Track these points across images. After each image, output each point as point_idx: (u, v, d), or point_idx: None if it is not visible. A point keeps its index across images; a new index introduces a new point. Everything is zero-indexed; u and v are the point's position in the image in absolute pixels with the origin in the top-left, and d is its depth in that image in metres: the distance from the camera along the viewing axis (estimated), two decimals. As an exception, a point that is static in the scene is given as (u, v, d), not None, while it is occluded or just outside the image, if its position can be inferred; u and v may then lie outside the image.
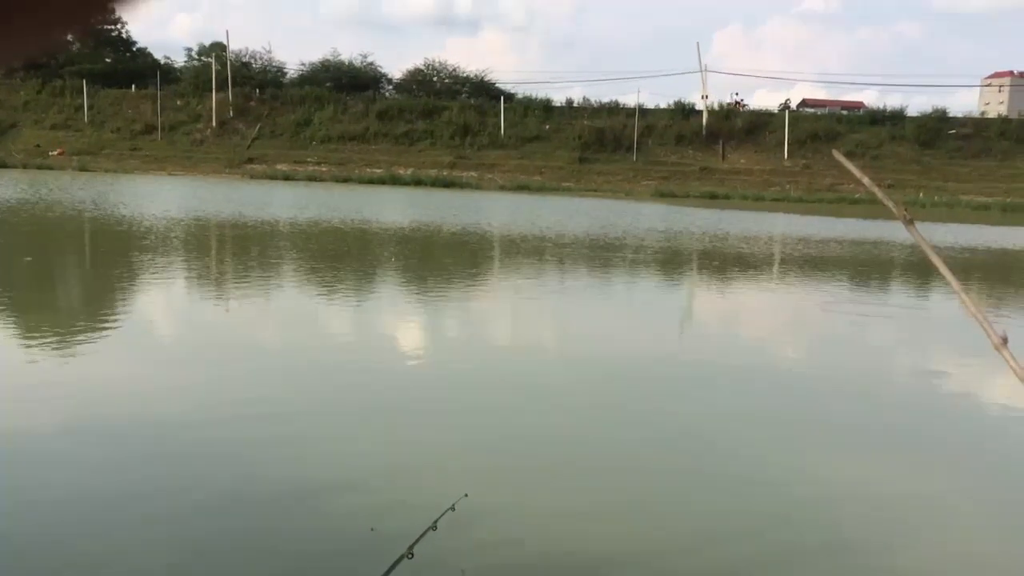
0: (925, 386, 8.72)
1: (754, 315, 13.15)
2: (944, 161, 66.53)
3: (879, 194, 1.20)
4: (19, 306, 10.85)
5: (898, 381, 8.86)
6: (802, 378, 8.69)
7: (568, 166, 67.82)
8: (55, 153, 67.08)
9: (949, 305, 13.45)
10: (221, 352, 8.50)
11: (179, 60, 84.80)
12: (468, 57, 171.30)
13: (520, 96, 77.74)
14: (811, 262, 20.25)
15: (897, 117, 71.33)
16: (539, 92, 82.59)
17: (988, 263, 22.69)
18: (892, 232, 29.09)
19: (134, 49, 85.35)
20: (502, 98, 74.54)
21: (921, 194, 57.88)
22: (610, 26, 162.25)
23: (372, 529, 4.30)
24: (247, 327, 10.05)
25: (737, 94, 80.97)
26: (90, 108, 73.70)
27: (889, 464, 5.95)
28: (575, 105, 76.28)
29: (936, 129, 69.40)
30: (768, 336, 11.35)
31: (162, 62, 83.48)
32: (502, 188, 61.35)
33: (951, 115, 71.41)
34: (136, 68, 79.79)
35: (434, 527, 3.09)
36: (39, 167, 60.42)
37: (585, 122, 72.90)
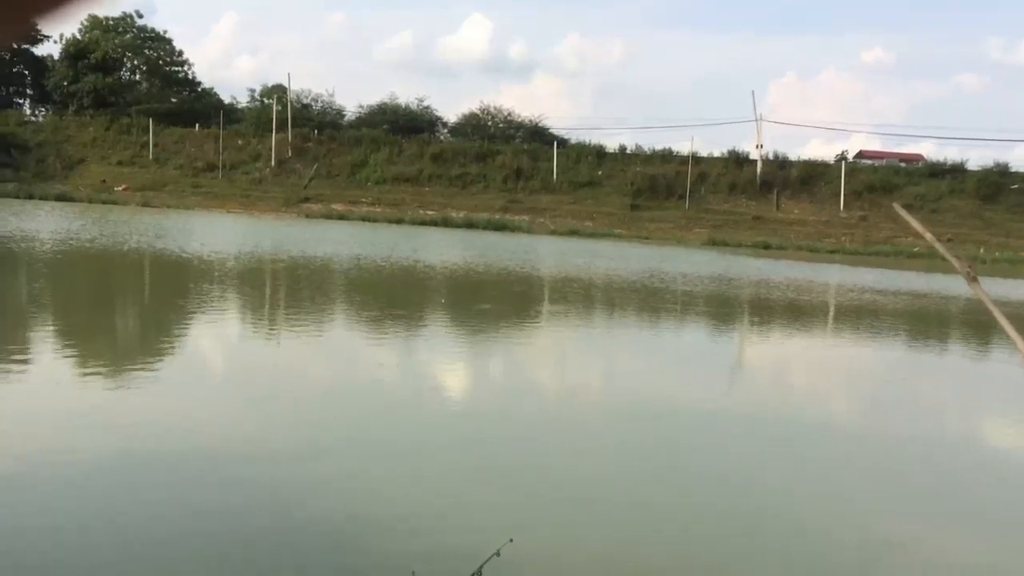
0: (984, 448, 8.44)
1: (809, 367, 12.90)
2: (1006, 216, 65.01)
3: (941, 249, 1.18)
4: (79, 336, 11.10)
5: (954, 441, 8.59)
6: (854, 434, 8.47)
7: (620, 212, 67.74)
8: (120, 188, 69.02)
9: (1013, 365, 13.05)
10: (268, 389, 8.57)
11: (242, 101, 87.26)
12: (522, 102, 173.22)
13: (573, 141, 78.22)
14: (866, 313, 19.85)
15: (957, 170, 70.09)
16: (592, 138, 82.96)
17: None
18: (952, 286, 28.44)
19: (199, 89, 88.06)
20: (555, 143, 75.03)
21: (982, 249, 56.57)
22: (663, 74, 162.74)
23: (413, 573, 4.25)
24: (297, 364, 10.14)
25: None
26: (155, 146, 75.84)
27: (938, 526, 5.73)
28: (628, 151, 76.43)
29: (998, 183, 67.94)
30: (822, 389, 11.11)
31: (226, 102, 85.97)
32: (553, 232, 61.47)
33: (1013, 169, 69.95)
34: (200, 108, 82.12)
35: (478, 573, 3.04)
36: (104, 201, 62.19)
37: (638, 169, 72.87)
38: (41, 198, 60.48)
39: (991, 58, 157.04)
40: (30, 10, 0.46)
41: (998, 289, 28.51)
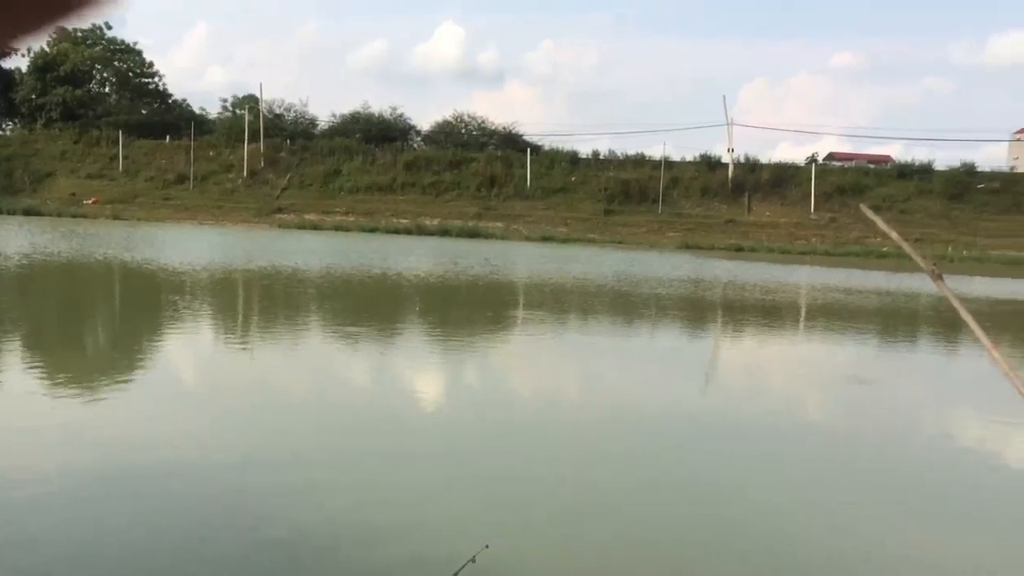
0: (952, 445, 8.57)
1: (778, 368, 13.03)
2: (973, 215, 66.01)
3: (907, 248, 1.19)
4: (47, 351, 10.99)
5: (923, 440, 8.71)
6: (825, 434, 8.57)
7: (593, 217, 68.04)
8: (89, 202, 68.37)
9: (979, 361, 13.25)
10: (242, 401, 8.53)
11: (213, 111, 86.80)
12: (496, 109, 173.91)
13: (546, 148, 78.46)
14: (836, 314, 20.08)
15: (925, 171, 71.07)
16: (565, 144, 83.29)
17: (1020, 317, 22.38)
18: (919, 285, 28.81)
19: (170, 101, 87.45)
20: (528, 150, 75.20)
21: (950, 248, 57.38)
22: (635, 79, 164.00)
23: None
24: (270, 375, 10.09)
25: None
26: (125, 158, 75.19)
27: (910, 524, 5.83)
28: (601, 157, 76.77)
29: (965, 183, 68.97)
30: (793, 390, 11.23)
31: (197, 113, 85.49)
32: (527, 239, 61.63)
33: (979, 169, 71.04)
34: (171, 119, 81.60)
35: (453, 579, 3.06)
36: (73, 215, 61.56)
37: (611, 174, 73.26)
38: (9, 212, 59.77)
39: (957, 61, 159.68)
40: (21, 25, 0.46)
41: (966, 287, 28.93)
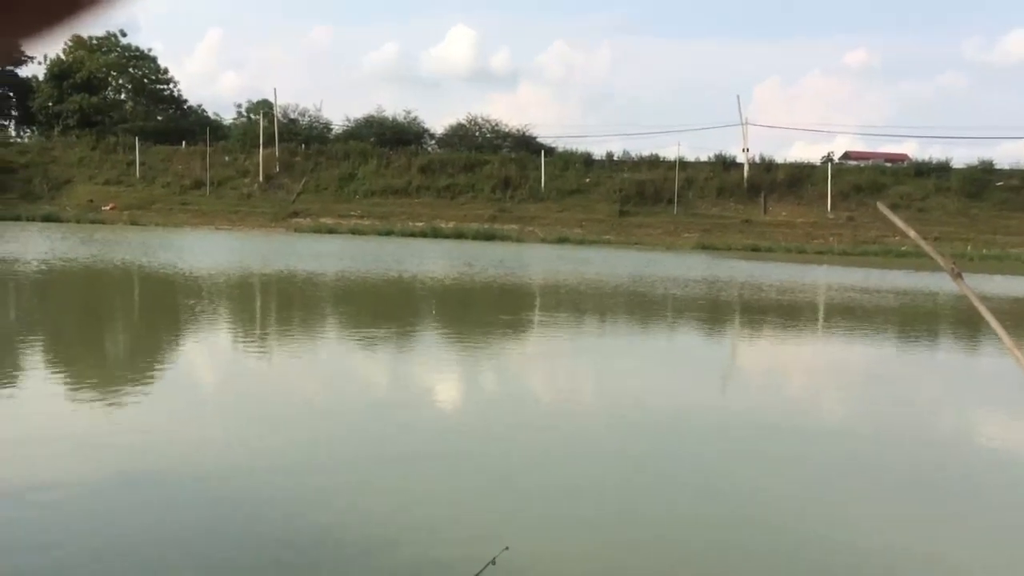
0: (971, 445, 8.47)
1: (798, 368, 12.94)
2: (992, 213, 65.45)
3: (926, 247, 1.18)
4: (67, 356, 11.05)
5: (942, 440, 8.62)
6: (843, 434, 8.50)
7: (609, 219, 67.92)
8: (107, 208, 68.86)
9: (1000, 360, 13.11)
10: (259, 405, 8.54)
11: (228, 117, 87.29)
12: (509, 111, 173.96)
13: (560, 150, 78.40)
14: (856, 314, 19.93)
15: (942, 169, 70.56)
16: (579, 146, 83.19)
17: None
18: (939, 284, 28.57)
19: (185, 107, 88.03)
20: (543, 152, 75.17)
21: (969, 247, 56.87)
22: (648, 80, 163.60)
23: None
24: (288, 380, 10.11)
25: None
26: (142, 164, 75.68)
27: (928, 524, 5.76)
28: (615, 158, 76.66)
29: (983, 181, 68.41)
30: (812, 390, 11.14)
31: (212, 117, 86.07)
32: (543, 241, 61.60)
33: (997, 167, 70.45)
34: (186, 125, 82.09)
35: (475, 581, 3.04)
36: (91, 221, 62.04)
37: (625, 175, 73.14)
38: (28, 219, 60.33)
39: (970, 57, 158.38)
40: (22, 29, 0.45)
41: (986, 285, 28.67)
